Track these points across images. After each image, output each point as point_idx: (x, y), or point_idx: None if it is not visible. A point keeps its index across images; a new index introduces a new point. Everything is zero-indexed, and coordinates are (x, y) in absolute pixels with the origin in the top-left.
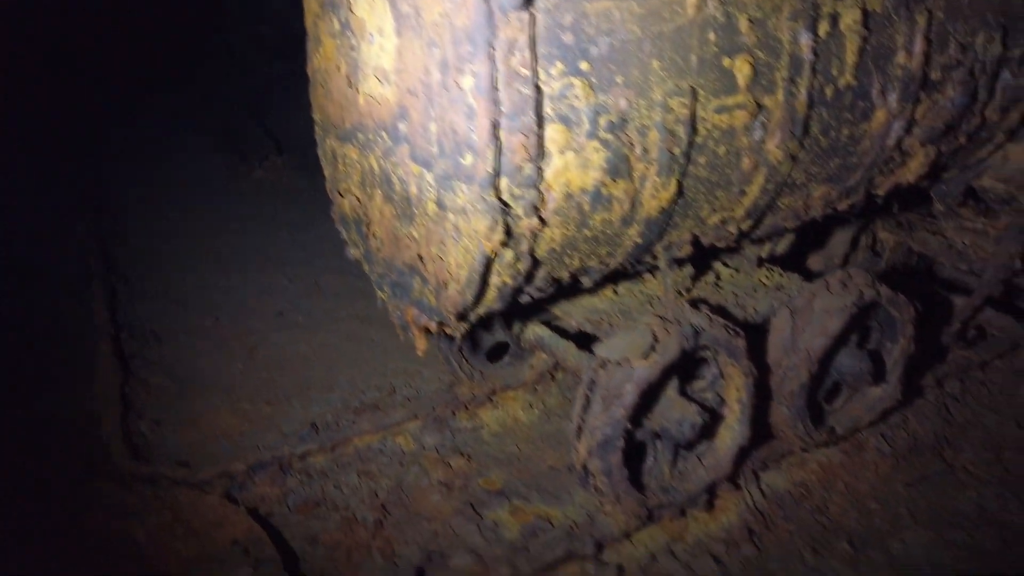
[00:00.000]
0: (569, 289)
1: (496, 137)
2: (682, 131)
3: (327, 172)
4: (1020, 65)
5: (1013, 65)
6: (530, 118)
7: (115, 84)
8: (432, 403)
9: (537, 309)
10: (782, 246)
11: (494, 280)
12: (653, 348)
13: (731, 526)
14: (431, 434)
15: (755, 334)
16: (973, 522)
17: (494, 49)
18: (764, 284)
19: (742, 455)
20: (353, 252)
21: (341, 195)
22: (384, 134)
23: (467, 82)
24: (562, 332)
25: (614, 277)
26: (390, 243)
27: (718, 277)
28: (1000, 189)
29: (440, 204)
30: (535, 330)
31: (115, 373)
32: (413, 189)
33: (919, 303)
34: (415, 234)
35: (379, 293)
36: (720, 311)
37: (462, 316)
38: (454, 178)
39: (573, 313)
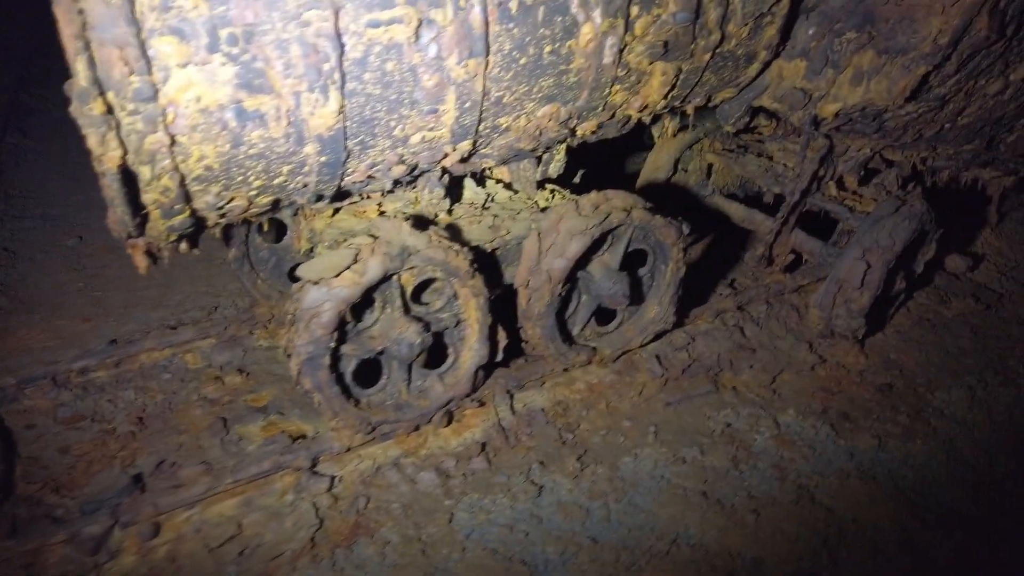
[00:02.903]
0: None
1: (87, 50)
2: (328, 46)
3: None
4: None
5: None
6: (124, 30)
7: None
8: (226, 323)
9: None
10: (554, 168)
11: (147, 198)
12: (350, 267)
13: (471, 442)
14: (222, 352)
15: (509, 255)
16: (713, 441)
17: None
18: (537, 205)
19: (483, 374)
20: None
21: None
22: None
23: None
24: None
25: (342, 195)
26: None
27: (490, 198)
28: (779, 109)
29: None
30: (321, 252)
31: None
32: None
33: (687, 226)
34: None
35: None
36: (454, 232)
37: (133, 235)
38: (75, 97)
39: (327, 236)
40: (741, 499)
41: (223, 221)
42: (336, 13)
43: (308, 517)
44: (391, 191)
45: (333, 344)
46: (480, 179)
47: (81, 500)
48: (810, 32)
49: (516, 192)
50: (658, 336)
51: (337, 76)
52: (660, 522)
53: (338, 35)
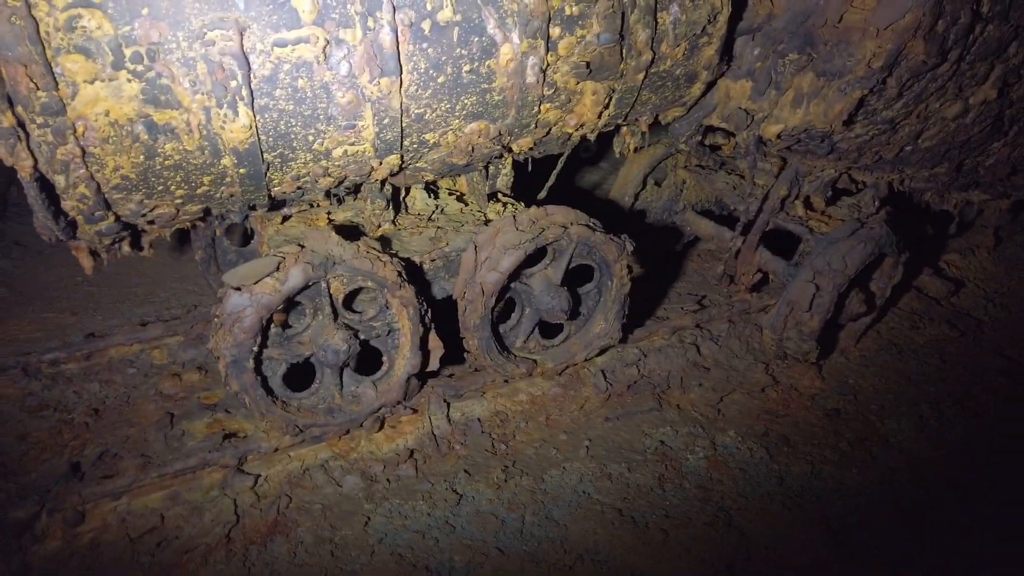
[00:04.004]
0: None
1: None
2: (234, 64)
3: None
4: None
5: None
6: (27, 48)
7: None
8: (195, 321)
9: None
10: (502, 181)
11: (67, 205)
12: (271, 275)
13: (403, 448)
14: (187, 350)
15: (450, 266)
16: (644, 458)
17: None
18: (486, 218)
19: (416, 382)
20: None
21: None
22: None
23: None
24: None
25: (278, 205)
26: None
27: (439, 210)
28: (727, 129)
29: None
30: None
31: None
32: None
33: (631, 243)
34: None
35: None
36: (389, 243)
37: (62, 238)
38: None
39: (274, 242)
40: (656, 518)
41: (156, 227)
42: (241, 33)
43: (226, 513)
44: (341, 200)
45: (256, 348)
46: (433, 191)
47: (19, 486)
48: (755, 52)
49: (467, 204)
50: (603, 351)
51: (245, 92)
52: (571, 536)
53: (243, 54)
